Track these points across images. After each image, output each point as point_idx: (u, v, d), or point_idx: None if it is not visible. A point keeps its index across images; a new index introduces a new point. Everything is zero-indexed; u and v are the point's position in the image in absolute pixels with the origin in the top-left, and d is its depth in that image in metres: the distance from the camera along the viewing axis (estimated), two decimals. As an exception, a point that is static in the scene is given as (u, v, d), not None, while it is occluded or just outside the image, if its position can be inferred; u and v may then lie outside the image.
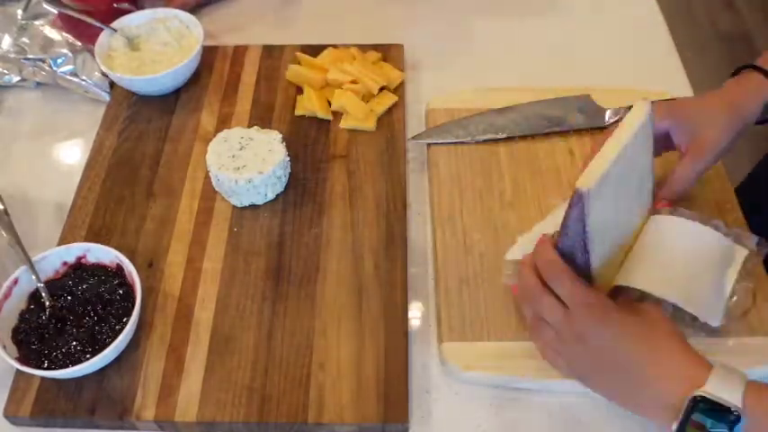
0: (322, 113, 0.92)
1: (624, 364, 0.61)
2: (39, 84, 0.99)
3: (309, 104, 0.92)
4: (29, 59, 0.97)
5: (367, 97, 0.93)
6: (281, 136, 0.85)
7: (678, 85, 0.98)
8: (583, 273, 0.64)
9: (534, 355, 0.71)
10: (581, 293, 0.62)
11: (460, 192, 0.85)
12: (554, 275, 0.64)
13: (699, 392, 0.57)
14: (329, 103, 0.93)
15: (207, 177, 0.85)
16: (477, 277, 0.77)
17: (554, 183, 0.85)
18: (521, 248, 0.74)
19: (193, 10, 1.02)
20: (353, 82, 0.93)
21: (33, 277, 0.73)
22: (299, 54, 0.98)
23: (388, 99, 0.94)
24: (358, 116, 0.91)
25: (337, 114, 0.93)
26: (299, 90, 0.95)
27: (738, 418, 0.56)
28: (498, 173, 0.86)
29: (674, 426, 0.57)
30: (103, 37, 0.95)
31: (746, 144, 0.82)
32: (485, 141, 0.89)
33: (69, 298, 0.73)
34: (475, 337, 0.73)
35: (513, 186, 0.85)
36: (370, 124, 0.91)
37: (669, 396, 0.59)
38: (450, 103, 0.94)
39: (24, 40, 0.98)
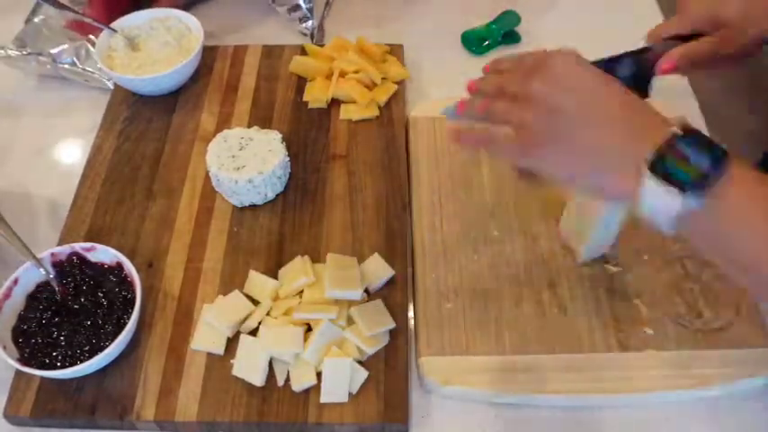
0: (328, 101, 0.94)
1: (596, 104, 0.53)
2: (40, 79, 0.99)
3: (319, 92, 0.93)
4: (30, 54, 0.97)
5: (370, 87, 0.94)
6: (281, 136, 0.85)
7: (677, 85, 0.98)
8: None
9: (516, 369, 0.71)
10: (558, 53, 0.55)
11: (441, 201, 0.84)
12: (521, 59, 0.57)
13: (685, 126, 0.50)
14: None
15: (207, 177, 0.85)
16: (457, 289, 0.76)
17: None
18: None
19: (185, 7, 1.02)
20: (357, 71, 0.94)
21: (42, 271, 0.73)
22: (306, 45, 0.99)
23: (390, 88, 0.94)
24: (361, 103, 0.92)
25: (338, 108, 0.93)
26: (300, 89, 0.96)
27: (724, 157, 0.49)
28: (479, 181, 0.86)
29: (650, 155, 0.50)
30: (103, 37, 0.95)
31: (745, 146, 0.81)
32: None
33: (69, 298, 0.73)
34: (454, 352, 0.72)
35: (495, 195, 0.84)
36: (372, 112, 0.92)
37: (647, 143, 0.50)
38: (432, 111, 0.92)
39: (25, 34, 0.99)
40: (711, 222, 0.50)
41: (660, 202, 0.49)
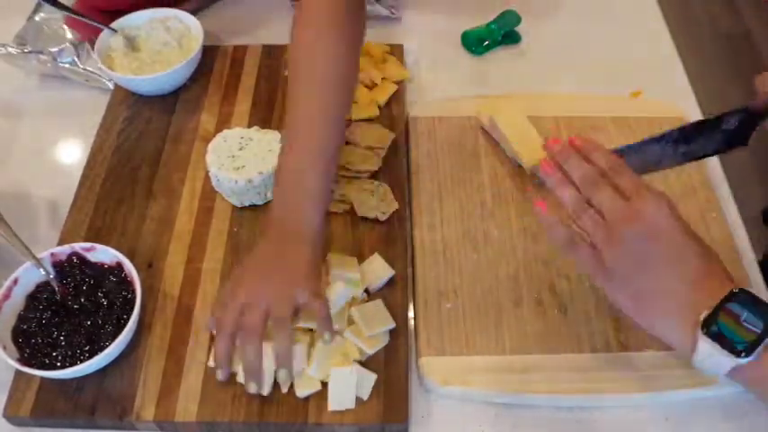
0: None
1: (673, 256, 0.57)
2: (41, 79, 0.99)
3: None
4: (31, 53, 0.97)
5: (370, 87, 0.94)
6: (281, 136, 0.85)
7: (678, 85, 0.99)
8: None
9: (516, 369, 0.70)
10: (645, 185, 0.59)
11: (441, 201, 0.84)
12: (617, 168, 0.60)
13: (740, 288, 0.54)
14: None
15: (207, 177, 0.85)
16: (457, 289, 0.76)
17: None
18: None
19: (194, 11, 1.03)
20: None
21: (42, 271, 0.73)
22: None
23: (390, 88, 0.94)
24: (361, 103, 0.92)
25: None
26: (299, 90, 0.96)
27: None
28: (479, 181, 0.85)
29: (704, 314, 0.54)
30: (103, 37, 0.95)
31: (757, 174, 0.80)
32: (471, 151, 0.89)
33: (69, 298, 0.73)
34: (454, 352, 0.72)
35: (495, 195, 0.84)
36: (372, 112, 0.92)
37: (704, 297, 0.54)
38: (432, 111, 0.93)
39: (26, 32, 0.99)
40: (761, 372, 0.53)
41: (713, 360, 0.53)
